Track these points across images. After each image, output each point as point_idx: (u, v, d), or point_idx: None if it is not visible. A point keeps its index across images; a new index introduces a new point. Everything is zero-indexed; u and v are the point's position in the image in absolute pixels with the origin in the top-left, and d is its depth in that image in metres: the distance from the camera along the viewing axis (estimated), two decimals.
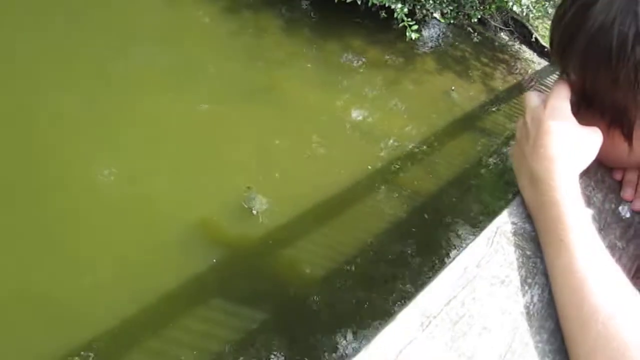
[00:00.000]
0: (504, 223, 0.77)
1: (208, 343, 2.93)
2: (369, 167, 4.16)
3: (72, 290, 2.89)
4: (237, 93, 4.24)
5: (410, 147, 4.50)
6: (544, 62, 6.17)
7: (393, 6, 4.48)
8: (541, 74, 6.00)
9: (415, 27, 4.44)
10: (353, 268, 3.49)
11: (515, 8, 4.98)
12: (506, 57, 5.98)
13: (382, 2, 4.51)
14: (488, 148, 4.82)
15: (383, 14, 4.88)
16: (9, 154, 3.30)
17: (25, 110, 3.53)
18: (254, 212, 3.48)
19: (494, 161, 4.72)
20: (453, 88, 5.19)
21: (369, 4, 4.55)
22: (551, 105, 0.80)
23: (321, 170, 4.03)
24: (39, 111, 3.56)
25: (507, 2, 4.91)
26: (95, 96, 3.80)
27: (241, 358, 2.88)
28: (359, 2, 4.55)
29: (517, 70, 5.89)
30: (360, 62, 5.10)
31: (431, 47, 5.67)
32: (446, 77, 5.34)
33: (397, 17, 4.47)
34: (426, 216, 3.98)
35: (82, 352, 2.70)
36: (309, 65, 4.81)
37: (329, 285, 3.37)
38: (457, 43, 5.74)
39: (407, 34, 4.42)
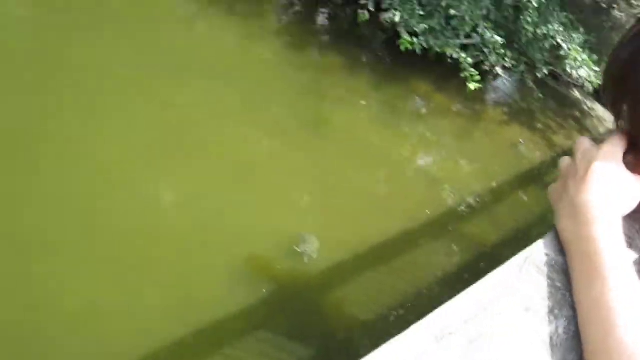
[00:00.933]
0: (535, 253, 0.77)
1: None
2: (428, 211, 4.12)
3: (115, 311, 2.95)
4: (297, 130, 4.30)
5: (473, 196, 4.43)
6: None
7: (456, 55, 4.49)
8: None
9: (478, 78, 4.42)
10: (403, 314, 3.42)
11: (571, 71, 4.89)
12: (577, 113, 5.85)
13: (444, 51, 4.52)
14: None
15: (449, 59, 4.91)
16: (65, 171, 3.44)
17: (81, 131, 3.67)
18: (306, 252, 3.49)
19: None
20: (521, 141, 5.11)
21: (432, 52, 4.57)
22: (604, 149, 0.81)
23: (379, 212, 4.02)
24: (96, 134, 3.68)
25: (564, 66, 4.83)
26: (156, 124, 3.93)
27: None
28: (421, 52, 4.56)
29: (588, 128, 5.74)
30: (426, 108, 5.12)
31: (500, 98, 5.64)
32: (514, 129, 5.26)
33: (461, 67, 4.47)
34: (482, 265, 3.88)
35: None
36: (373, 107, 4.85)
37: (378, 330, 3.32)
38: (527, 96, 5.67)
39: (468, 84, 4.42)
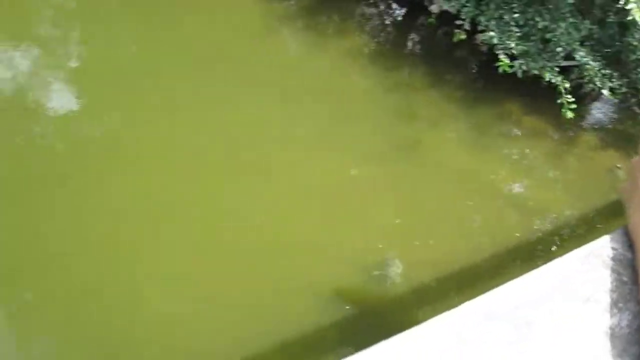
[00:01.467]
0: (602, 247, 0.75)
1: None
2: (517, 234, 3.98)
3: (200, 321, 3.08)
4: (386, 151, 4.30)
5: (567, 222, 4.24)
6: None
7: (554, 80, 4.30)
8: None
9: (574, 106, 4.22)
10: None
11: None
12: None
13: (542, 74, 4.35)
14: None
15: (544, 82, 4.76)
16: (152, 183, 3.66)
17: (169, 144, 3.91)
18: (389, 276, 3.47)
19: None
20: (619, 166, 4.84)
21: (529, 74, 4.41)
22: None
23: (465, 235, 3.94)
24: (187, 157, 3.90)
25: None
26: (245, 141, 4.08)
27: None
28: (520, 75, 4.41)
29: None
30: (518, 131, 4.96)
31: (598, 122, 5.38)
32: (611, 155, 4.99)
33: (557, 92, 4.28)
34: None
35: None
36: (464, 129, 4.76)
37: None
38: (627, 119, 5.37)
39: (563, 110, 4.23)
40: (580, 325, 0.64)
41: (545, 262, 2.75)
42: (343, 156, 4.16)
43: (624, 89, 4.78)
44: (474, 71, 5.53)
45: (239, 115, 4.23)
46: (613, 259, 0.72)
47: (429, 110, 4.82)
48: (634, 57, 4.64)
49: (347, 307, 3.33)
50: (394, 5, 5.90)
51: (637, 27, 4.42)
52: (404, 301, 3.46)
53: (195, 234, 3.48)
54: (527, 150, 4.80)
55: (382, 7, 5.87)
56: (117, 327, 2.97)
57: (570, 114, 4.24)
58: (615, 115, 5.51)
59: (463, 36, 4.40)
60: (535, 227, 4.17)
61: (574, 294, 0.66)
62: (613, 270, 0.70)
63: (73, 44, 4.60)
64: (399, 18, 5.88)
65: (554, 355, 0.60)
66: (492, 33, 4.36)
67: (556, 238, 4.11)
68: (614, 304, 0.66)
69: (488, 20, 4.43)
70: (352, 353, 3.02)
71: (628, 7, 3.79)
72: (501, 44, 4.38)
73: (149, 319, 3.04)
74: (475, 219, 4.13)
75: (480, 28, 4.54)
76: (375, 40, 5.54)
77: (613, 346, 0.62)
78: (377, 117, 4.62)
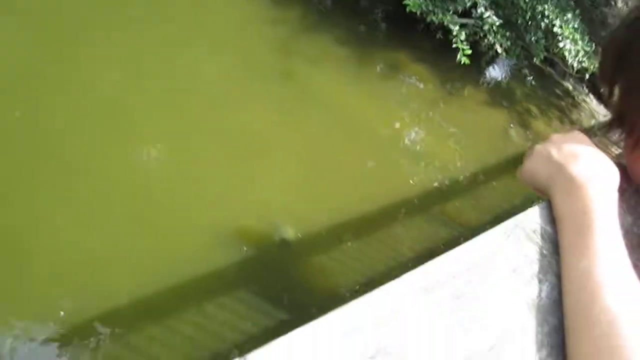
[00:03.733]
0: (525, 221, 0.79)
1: (225, 331, 2.96)
2: (411, 181, 4.13)
3: (96, 260, 2.96)
4: (284, 99, 4.27)
5: (456, 174, 4.43)
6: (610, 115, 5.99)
7: (452, 26, 4.38)
8: (603, 127, 5.83)
9: (469, 52, 4.32)
10: (381, 283, 3.46)
11: (564, 52, 4.78)
12: (568, 103, 5.86)
13: (441, 20, 4.42)
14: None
15: (439, 35, 4.84)
16: (60, 120, 3.43)
17: (78, 78, 3.66)
18: (285, 225, 3.51)
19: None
20: (512, 125, 5.12)
21: (427, 20, 4.46)
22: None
23: (359, 181, 4.00)
24: (104, 90, 3.69)
25: (559, 50, 4.76)
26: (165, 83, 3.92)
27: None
28: (420, 15, 4.41)
29: (578, 119, 5.76)
30: (412, 80, 5.05)
31: (492, 81, 5.63)
32: (503, 114, 5.25)
33: (452, 40, 4.36)
34: (462, 241, 3.90)
35: (94, 323, 2.76)
36: (353, 72, 4.77)
37: (354, 296, 3.35)
38: (520, 82, 5.66)
39: (459, 56, 4.33)
40: (507, 294, 0.67)
41: (433, 210, 2.86)
42: (252, 109, 4.07)
43: (517, 51, 4.99)
44: (387, 21, 5.52)
45: (150, 55, 4.03)
46: (535, 232, 0.76)
47: (325, 57, 4.75)
48: (521, 20, 4.82)
49: (245, 249, 3.34)
50: None
51: None
52: (299, 247, 3.52)
53: (98, 168, 3.32)
54: (421, 100, 4.90)
55: None
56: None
57: (465, 60, 4.33)
58: (510, 77, 5.78)
59: None
60: (427, 176, 4.32)
61: (502, 265, 0.70)
62: (535, 244, 0.74)
63: None
64: None
65: (487, 324, 0.63)
66: None
67: (444, 187, 4.28)
68: (535, 275, 0.71)
69: None
70: (251, 297, 3.04)
71: None
72: None
73: (51, 257, 2.90)
74: (370, 165, 4.20)
75: None
76: None
77: (534, 316, 0.67)
78: (278, 61, 4.49)
